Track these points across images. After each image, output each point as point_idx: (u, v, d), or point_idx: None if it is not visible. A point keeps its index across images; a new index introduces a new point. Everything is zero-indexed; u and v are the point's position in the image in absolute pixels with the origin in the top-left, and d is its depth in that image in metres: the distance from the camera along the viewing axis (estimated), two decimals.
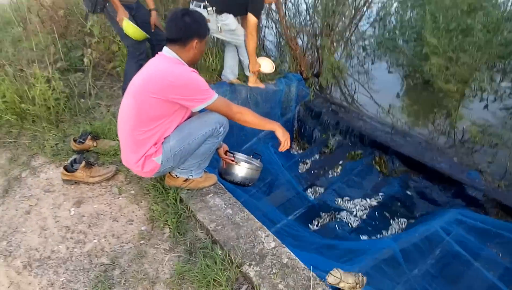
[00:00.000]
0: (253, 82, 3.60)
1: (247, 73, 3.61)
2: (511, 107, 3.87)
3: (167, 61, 1.83)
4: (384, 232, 2.80)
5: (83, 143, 2.58)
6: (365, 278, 1.53)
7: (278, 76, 4.04)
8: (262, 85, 3.67)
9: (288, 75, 4.11)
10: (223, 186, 2.26)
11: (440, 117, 3.81)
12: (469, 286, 2.23)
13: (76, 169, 2.28)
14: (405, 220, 2.87)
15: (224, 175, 2.29)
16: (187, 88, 1.77)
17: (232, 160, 2.20)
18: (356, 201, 3.01)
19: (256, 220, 1.98)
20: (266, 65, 3.57)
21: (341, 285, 1.49)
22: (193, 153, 1.97)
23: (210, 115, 1.90)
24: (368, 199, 3.00)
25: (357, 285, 1.49)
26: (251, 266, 1.69)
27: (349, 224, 2.83)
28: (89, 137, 2.59)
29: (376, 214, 2.90)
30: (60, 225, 2.04)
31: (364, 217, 2.88)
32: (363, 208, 2.94)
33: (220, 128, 1.91)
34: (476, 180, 2.74)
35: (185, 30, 1.82)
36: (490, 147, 3.12)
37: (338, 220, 2.87)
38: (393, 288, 2.07)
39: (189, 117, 1.97)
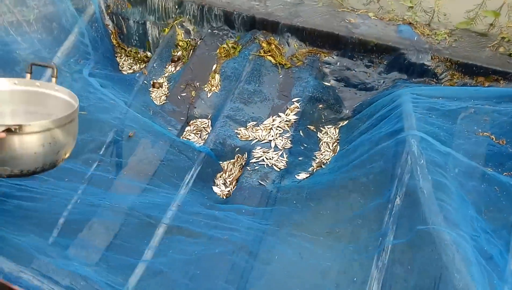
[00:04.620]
0: None
1: None
2: None
3: None
4: (317, 155, 1.84)
5: None
6: None
7: None
8: None
9: None
10: None
11: None
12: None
13: None
14: (331, 126, 1.95)
15: None
16: None
17: None
18: (267, 122, 1.87)
19: None
20: None
21: None
22: None
23: None
24: (282, 114, 1.90)
25: None
26: None
27: (274, 166, 1.74)
28: None
29: (301, 133, 1.87)
30: None
31: (288, 144, 1.81)
32: (281, 130, 1.86)
33: None
34: (414, 38, 1.91)
35: None
36: None
37: (255, 165, 1.74)
38: None
39: None
